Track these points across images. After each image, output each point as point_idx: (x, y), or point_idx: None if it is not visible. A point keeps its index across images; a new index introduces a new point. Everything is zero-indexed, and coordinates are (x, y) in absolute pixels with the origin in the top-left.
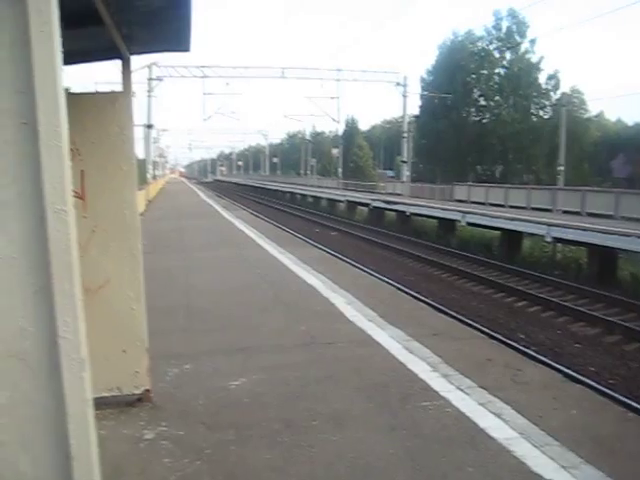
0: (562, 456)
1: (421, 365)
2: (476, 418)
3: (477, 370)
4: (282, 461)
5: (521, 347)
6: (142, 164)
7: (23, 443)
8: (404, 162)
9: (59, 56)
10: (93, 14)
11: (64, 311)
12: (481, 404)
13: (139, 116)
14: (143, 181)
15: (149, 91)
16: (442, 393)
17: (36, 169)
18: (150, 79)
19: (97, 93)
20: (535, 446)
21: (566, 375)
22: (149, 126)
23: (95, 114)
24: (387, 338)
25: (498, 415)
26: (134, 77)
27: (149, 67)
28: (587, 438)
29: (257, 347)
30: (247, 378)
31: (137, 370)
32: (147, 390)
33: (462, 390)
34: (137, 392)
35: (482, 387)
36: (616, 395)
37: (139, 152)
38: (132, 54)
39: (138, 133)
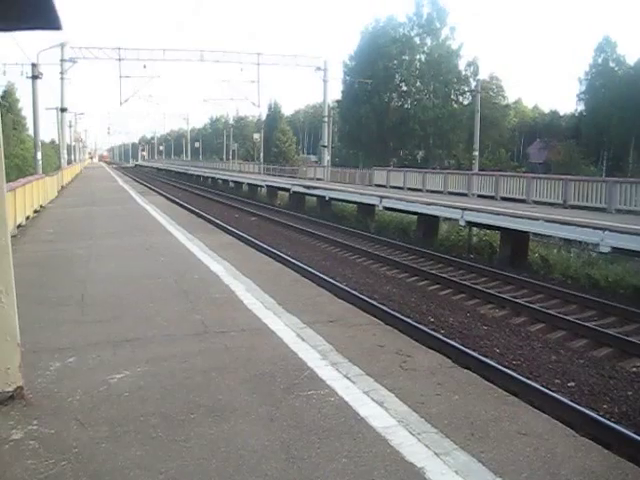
0: (437, 443)
1: (311, 353)
2: (358, 407)
3: (367, 357)
4: (153, 458)
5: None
6: (56, 149)
7: None
8: (324, 147)
9: None
10: None
11: None
12: (365, 392)
13: (52, 99)
14: (57, 166)
15: (62, 73)
16: (328, 382)
17: None
18: (62, 60)
19: None
20: (412, 434)
21: (455, 360)
22: (63, 109)
23: None
24: (282, 326)
25: (380, 403)
26: (45, 57)
27: (61, 47)
28: (465, 423)
29: (147, 338)
30: (131, 371)
31: (8, 367)
32: (20, 387)
33: (349, 378)
34: (8, 390)
35: (369, 374)
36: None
37: (54, 136)
38: None
39: (51, 117)
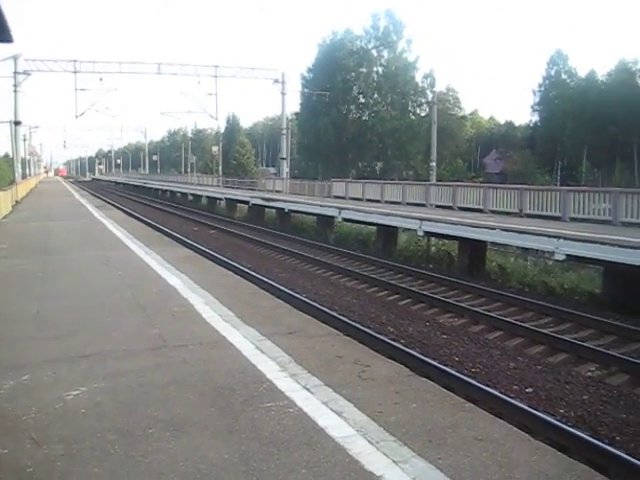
0: (395, 451)
1: (270, 365)
2: (317, 417)
3: (326, 368)
4: (110, 475)
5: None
6: (10, 163)
7: None
8: (283, 159)
9: None
10: None
11: None
12: (324, 403)
13: (5, 112)
14: (11, 181)
15: (15, 85)
16: (287, 393)
17: None
18: (16, 73)
19: None
20: (371, 443)
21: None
22: (16, 123)
23: None
24: (240, 338)
25: (339, 413)
26: None
27: (14, 60)
28: (423, 431)
29: (104, 353)
30: (88, 387)
31: None
32: None
33: (307, 389)
34: None
35: (328, 385)
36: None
37: (8, 150)
38: None
39: (5, 130)
